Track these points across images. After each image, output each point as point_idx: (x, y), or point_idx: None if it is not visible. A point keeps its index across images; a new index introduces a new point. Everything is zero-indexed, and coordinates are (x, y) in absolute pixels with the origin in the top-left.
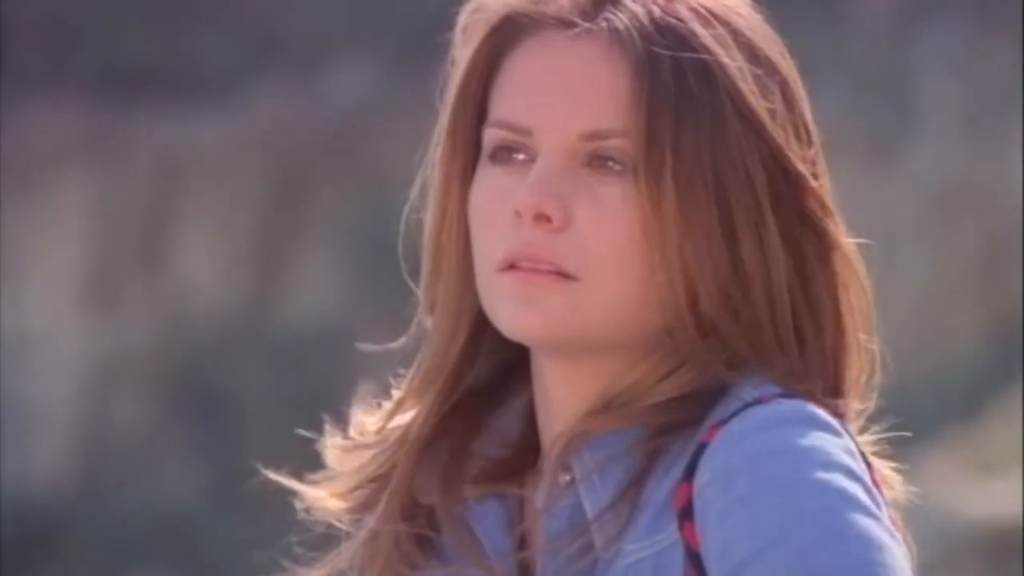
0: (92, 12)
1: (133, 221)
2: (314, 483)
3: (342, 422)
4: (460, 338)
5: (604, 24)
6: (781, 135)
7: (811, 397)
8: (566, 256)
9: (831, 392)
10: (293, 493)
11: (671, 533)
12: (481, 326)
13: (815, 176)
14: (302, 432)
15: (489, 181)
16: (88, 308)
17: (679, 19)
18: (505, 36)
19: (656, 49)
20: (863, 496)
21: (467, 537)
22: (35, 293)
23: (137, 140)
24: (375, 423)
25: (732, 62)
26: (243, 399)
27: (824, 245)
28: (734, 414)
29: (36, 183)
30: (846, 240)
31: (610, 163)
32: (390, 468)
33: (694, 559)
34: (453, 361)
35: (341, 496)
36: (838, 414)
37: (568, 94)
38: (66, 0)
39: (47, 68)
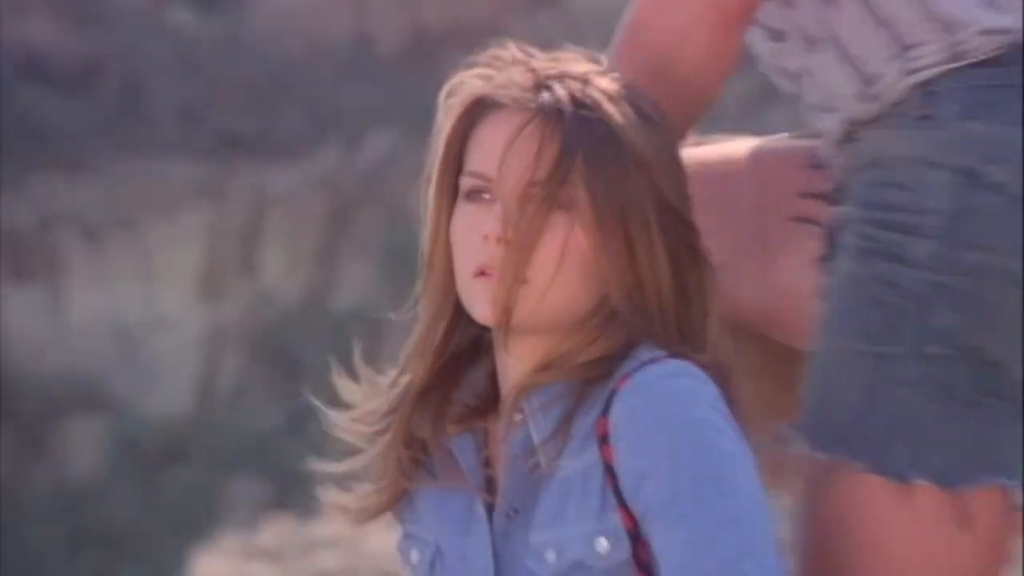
0: (209, 95)
1: (235, 237)
2: (347, 415)
3: (372, 376)
4: (444, 320)
5: (541, 104)
6: (666, 182)
7: (687, 358)
8: (525, 278)
9: (699, 354)
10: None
11: (594, 453)
12: (459, 312)
13: (688, 210)
14: (345, 381)
15: (465, 214)
16: (204, 297)
17: (593, 99)
18: (475, 112)
19: (574, 121)
20: (724, 424)
21: (449, 459)
22: (169, 286)
23: (238, 183)
24: (389, 378)
25: (632, 129)
26: (309, 357)
27: (694, 257)
28: (636, 369)
29: (172, 213)
30: (706, 250)
31: (554, 203)
32: (396, 410)
33: (609, 471)
34: (439, 336)
35: (363, 425)
36: (703, 368)
37: (518, 154)
38: (192, 87)
39: (181, 133)
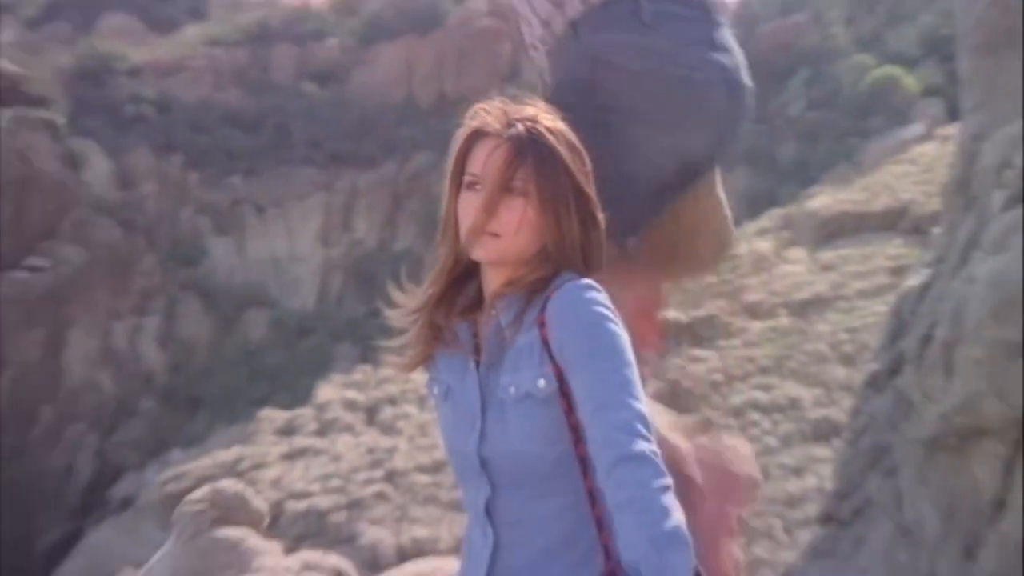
0: (324, 131)
1: (338, 211)
2: (398, 311)
3: (413, 289)
4: (452, 258)
5: (508, 134)
6: (579, 178)
7: (590, 277)
8: (497, 229)
9: (594, 275)
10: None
11: (536, 333)
12: (460, 253)
13: (591, 192)
14: (397, 292)
15: (465, 198)
16: (322, 244)
17: (539, 131)
18: (472, 138)
19: (527, 144)
20: (611, 314)
21: (454, 336)
22: (302, 238)
23: (340, 181)
24: (422, 291)
25: (560, 148)
26: (380, 279)
27: (594, 220)
28: (559, 285)
29: (304, 197)
30: (601, 216)
31: (515, 190)
32: (424, 307)
33: (545, 343)
34: (449, 266)
35: (407, 316)
36: (597, 283)
37: (494, 162)
38: (315, 126)
39: (308, 152)
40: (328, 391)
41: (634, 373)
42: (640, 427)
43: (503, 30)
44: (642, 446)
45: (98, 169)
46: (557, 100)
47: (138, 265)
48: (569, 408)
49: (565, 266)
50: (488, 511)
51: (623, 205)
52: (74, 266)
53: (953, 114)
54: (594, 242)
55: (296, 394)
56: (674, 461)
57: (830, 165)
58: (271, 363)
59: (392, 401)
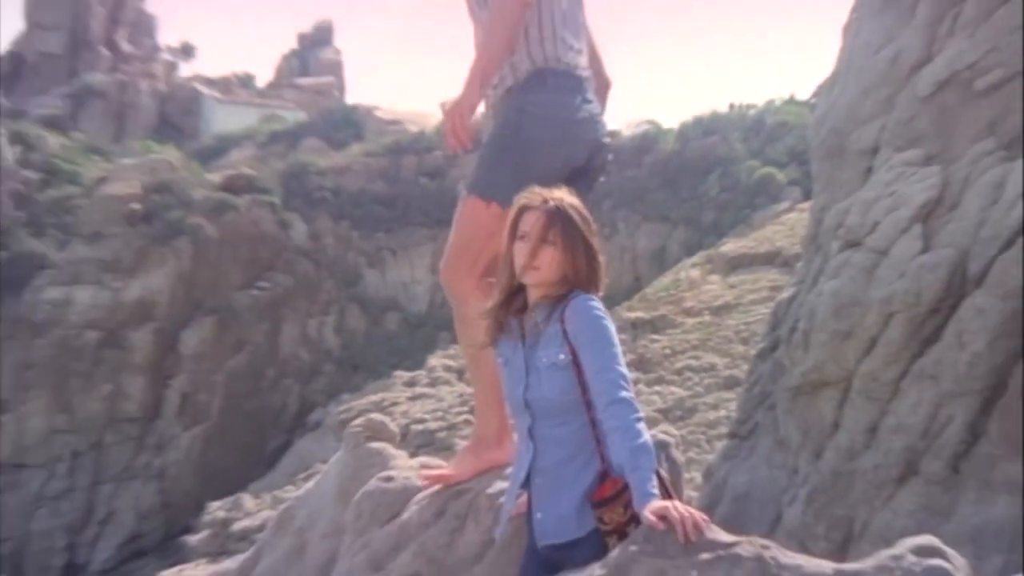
0: (425, 204)
1: (439, 256)
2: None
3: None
4: (508, 280)
5: (547, 208)
6: (588, 235)
7: (593, 295)
8: (538, 265)
9: (596, 293)
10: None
11: (559, 326)
12: (514, 280)
13: (595, 243)
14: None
15: (518, 247)
16: (431, 271)
17: (563, 206)
18: (522, 209)
19: (556, 213)
20: (606, 318)
21: (510, 327)
22: (418, 269)
23: (438, 236)
24: (492, 300)
25: (577, 216)
26: None
27: (596, 258)
28: (574, 298)
29: (414, 248)
30: (603, 257)
31: (548, 241)
32: (495, 308)
33: (564, 333)
34: (505, 288)
35: (486, 313)
36: (598, 298)
37: (537, 226)
38: (418, 199)
39: (426, 215)
40: (435, 360)
41: (618, 350)
42: (623, 382)
43: None
44: (624, 394)
45: (299, 230)
46: (502, 131)
47: (322, 286)
48: (579, 372)
49: (577, 287)
50: (530, 433)
51: (523, 182)
52: (285, 287)
53: (807, 195)
54: (596, 273)
55: (416, 362)
56: None
57: (734, 225)
58: (401, 344)
59: None
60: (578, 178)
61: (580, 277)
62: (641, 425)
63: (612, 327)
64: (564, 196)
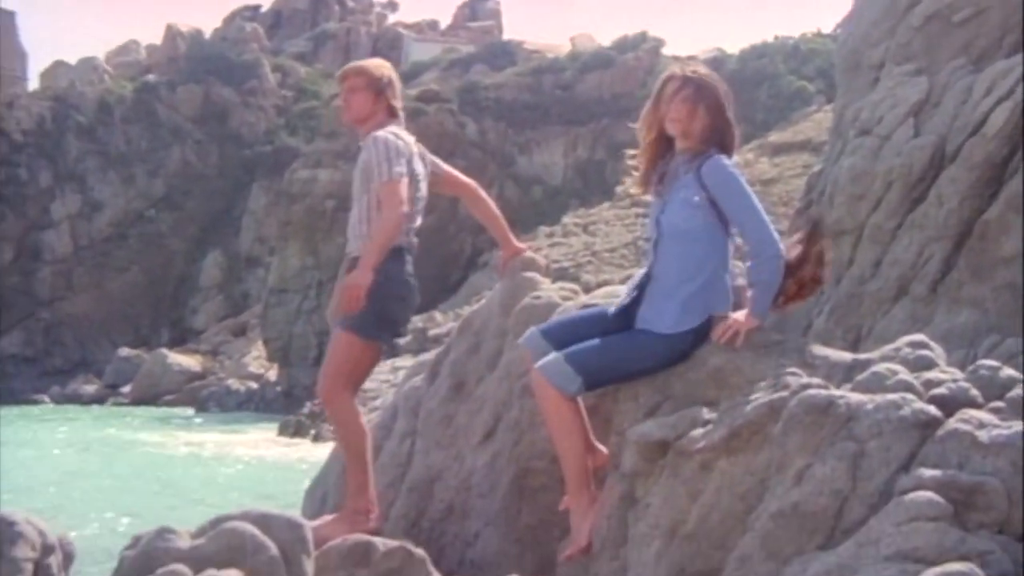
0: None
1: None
2: (635, 164)
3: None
4: (654, 136)
5: (688, 76)
6: (723, 102)
7: (722, 155)
8: (678, 119)
9: (727, 154)
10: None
11: (695, 175)
12: (661, 132)
13: (732, 120)
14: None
15: (672, 106)
16: (563, 159)
17: (703, 77)
18: (667, 80)
19: (697, 82)
20: (737, 171)
21: (656, 175)
22: (548, 156)
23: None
24: (640, 153)
25: (714, 87)
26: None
27: (730, 127)
28: (712, 155)
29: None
30: (736, 129)
31: (688, 101)
32: (642, 158)
33: (700, 182)
34: (652, 141)
35: (639, 163)
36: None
37: (682, 92)
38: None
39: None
40: (567, 219)
41: (754, 199)
42: (765, 235)
43: None
44: (770, 251)
45: (471, 128)
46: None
47: (486, 167)
48: (712, 214)
49: (714, 147)
50: (655, 248)
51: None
52: (461, 169)
53: (830, 100)
54: (728, 138)
55: (553, 220)
56: None
57: (777, 123)
58: (543, 208)
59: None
60: None
61: (716, 138)
62: (778, 274)
63: (743, 179)
64: (700, 69)
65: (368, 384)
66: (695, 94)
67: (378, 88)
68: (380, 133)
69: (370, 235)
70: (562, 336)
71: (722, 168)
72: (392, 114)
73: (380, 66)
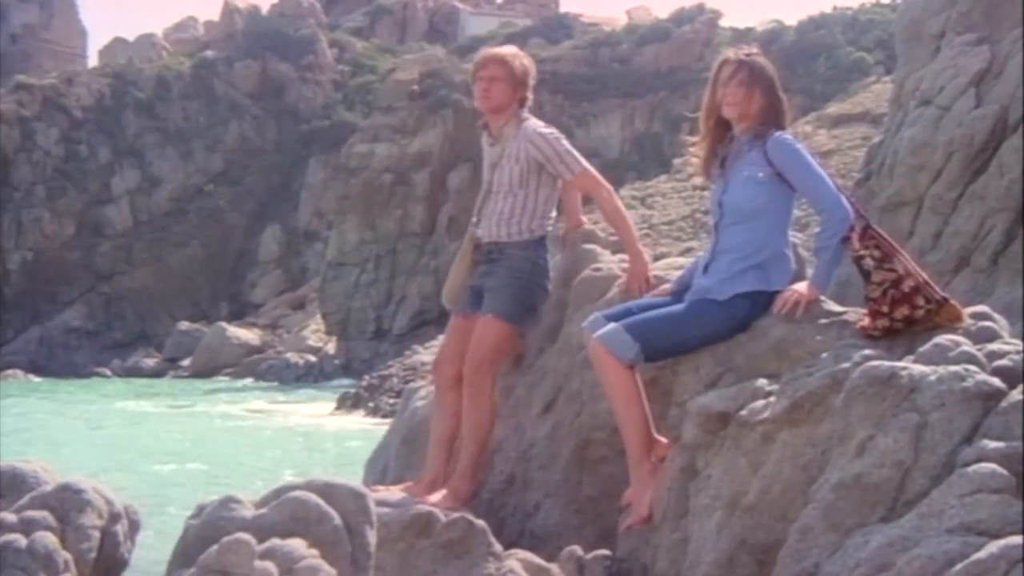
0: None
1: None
2: (693, 149)
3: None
4: (712, 120)
5: (743, 60)
6: (776, 85)
7: (781, 132)
8: (735, 102)
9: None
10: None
11: (760, 152)
12: (719, 115)
13: (784, 99)
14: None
15: (730, 90)
16: (620, 132)
17: (758, 59)
18: (723, 64)
19: (752, 64)
20: (801, 145)
21: (718, 156)
22: (604, 128)
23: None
24: (700, 136)
25: (767, 70)
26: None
27: (782, 106)
28: (773, 133)
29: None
30: (786, 107)
31: (744, 84)
32: (702, 142)
33: (765, 155)
34: (711, 126)
35: (697, 148)
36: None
37: (739, 74)
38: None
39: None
40: (624, 191)
41: (819, 170)
42: (832, 207)
43: None
44: (839, 225)
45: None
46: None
47: None
48: (780, 186)
49: (772, 126)
50: (716, 228)
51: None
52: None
53: (888, 72)
54: (782, 116)
55: None
56: None
57: (836, 94)
58: None
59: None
60: None
61: (772, 116)
62: (838, 234)
63: (805, 149)
64: (753, 52)
65: (428, 357)
66: (750, 77)
67: (518, 82)
68: (542, 128)
69: (613, 223)
70: (623, 315)
71: (786, 143)
72: (522, 104)
73: (520, 57)
